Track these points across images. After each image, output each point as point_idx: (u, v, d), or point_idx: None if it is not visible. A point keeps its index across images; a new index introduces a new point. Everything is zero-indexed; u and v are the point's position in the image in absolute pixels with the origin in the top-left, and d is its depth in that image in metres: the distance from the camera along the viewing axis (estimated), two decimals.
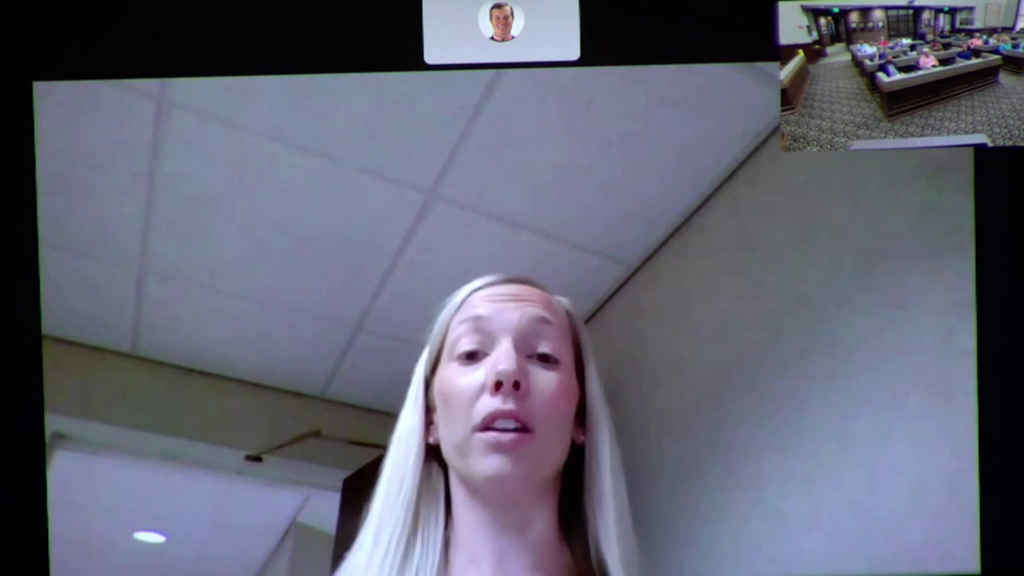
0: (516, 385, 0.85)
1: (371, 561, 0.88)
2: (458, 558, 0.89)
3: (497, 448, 0.85)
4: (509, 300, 0.91)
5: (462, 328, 0.90)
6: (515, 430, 0.85)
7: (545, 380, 0.88)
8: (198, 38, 1.05)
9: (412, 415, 0.93)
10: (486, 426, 0.85)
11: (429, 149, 1.06)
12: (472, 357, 0.89)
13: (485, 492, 0.87)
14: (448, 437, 0.89)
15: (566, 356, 0.91)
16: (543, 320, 0.90)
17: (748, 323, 1.08)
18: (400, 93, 1.05)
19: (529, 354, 0.89)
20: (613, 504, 0.90)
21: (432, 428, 0.92)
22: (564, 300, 0.95)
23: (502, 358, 0.87)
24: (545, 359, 0.89)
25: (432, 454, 0.92)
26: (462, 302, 0.92)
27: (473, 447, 0.86)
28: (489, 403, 0.86)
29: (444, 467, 0.92)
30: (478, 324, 0.89)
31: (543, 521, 0.90)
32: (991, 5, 1.05)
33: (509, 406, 0.85)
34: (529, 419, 0.86)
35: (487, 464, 0.85)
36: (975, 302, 1.06)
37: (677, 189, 1.08)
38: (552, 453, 0.89)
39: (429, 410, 0.92)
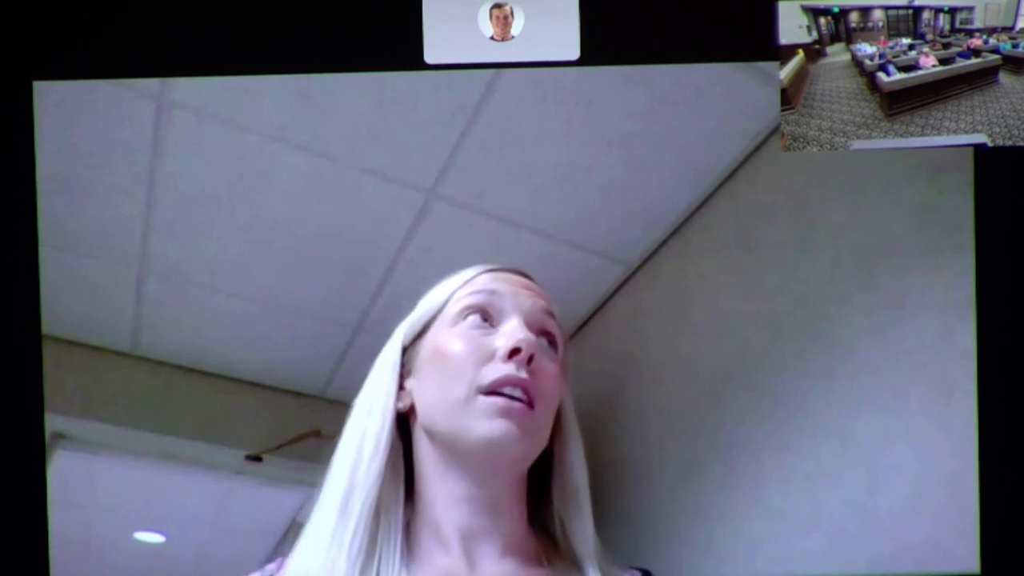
0: (530, 359, 0.87)
1: (337, 536, 0.86)
2: (421, 538, 0.88)
3: (505, 413, 0.85)
4: (521, 287, 0.92)
5: (474, 298, 0.90)
6: (521, 400, 0.86)
7: (549, 365, 0.90)
8: (198, 38, 1.05)
9: (388, 380, 0.92)
10: (494, 390, 0.86)
11: (429, 149, 1.06)
12: (482, 321, 0.89)
13: (476, 458, 0.87)
14: (438, 398, 0.88)
15: (560, 354, 0.93)
16: (549, 313, 0.92)
17: (748, 323, 1.08)
18: (400, 93, 1.05)
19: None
20: (585, 498, 0.91)
21: (402, 394, 0.91)
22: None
23: (519, 330, 0.88)
24: (549, 347, 0.91)
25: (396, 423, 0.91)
26: (471, 278, 0.93)
27: (476, 409, 0.86)
28: (502, 367, 0.86)
29: (405, 440, 0.91)
30: (492, 297, 0.90)
31: (516, 507, 0.90)
32: (991, 5, 1.05)
33: (523, 375, 0.86)
34: (534, 394, 0.87)
35: (492, 426, 0.85)
36: (975, 302, 1.06)
37: (677, 189, 1.08)
38: (542, 438, 0.90)
39: (402, 376, 0.92)
